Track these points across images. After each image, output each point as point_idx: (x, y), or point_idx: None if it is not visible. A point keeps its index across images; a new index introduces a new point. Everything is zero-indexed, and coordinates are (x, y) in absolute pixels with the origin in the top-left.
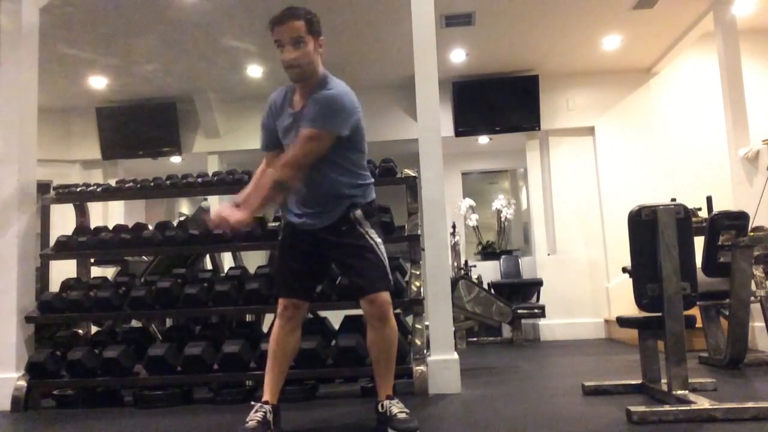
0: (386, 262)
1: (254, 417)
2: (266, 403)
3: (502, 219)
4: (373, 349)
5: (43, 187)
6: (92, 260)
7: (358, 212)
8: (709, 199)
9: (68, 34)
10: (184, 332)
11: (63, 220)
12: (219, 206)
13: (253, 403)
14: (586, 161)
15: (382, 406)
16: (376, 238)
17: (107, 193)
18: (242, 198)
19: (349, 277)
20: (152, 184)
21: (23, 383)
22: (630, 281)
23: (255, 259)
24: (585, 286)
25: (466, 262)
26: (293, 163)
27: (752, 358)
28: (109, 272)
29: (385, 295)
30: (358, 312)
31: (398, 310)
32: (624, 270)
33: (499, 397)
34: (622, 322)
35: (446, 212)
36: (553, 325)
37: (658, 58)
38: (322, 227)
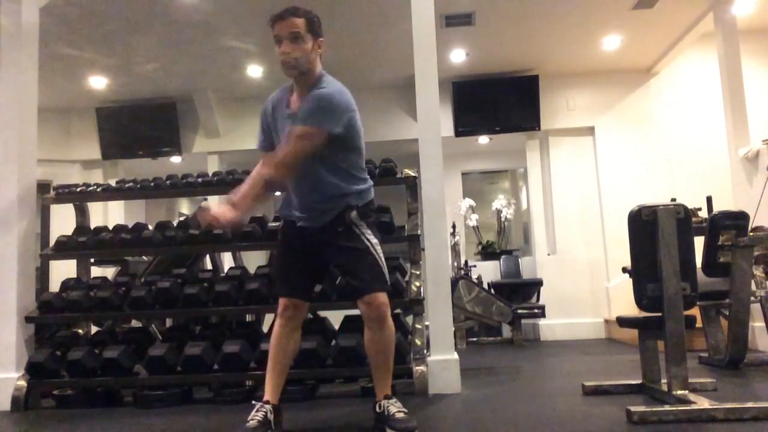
0: (383, 262)
1: (255, 416)
2: (267, 402)
3: (502, 219)
4: (370, 350)
5: (43, 187)
6: (92, 260)
7: (354, 214)
8: (709, 199)
9: (68, 34)
10: (184, 332)
11: (63, 220)
12: (214, 205)
13: (254, 402)
14: (586, 161)
15: (380, 405)
16: (371, 239)
17: (107, 193)
18: (239, 196)
19: (346, 278)
20: (152, 184)
21: (23, 383)
22: (630, 281)
23: (255, 259)
24: (585, 286)
25: (466, 262)
26: (285, 161)
27: (752, 358)
28: (109, 272)
29: (382, 296)
30: (358, 312)
31: (398, 310)
32: (624, 270)
33: (499, 397)
34: (622, 322)
35: (446, 212)
36: (553, 325)
37: (658, 58)
38: (317, 228)
